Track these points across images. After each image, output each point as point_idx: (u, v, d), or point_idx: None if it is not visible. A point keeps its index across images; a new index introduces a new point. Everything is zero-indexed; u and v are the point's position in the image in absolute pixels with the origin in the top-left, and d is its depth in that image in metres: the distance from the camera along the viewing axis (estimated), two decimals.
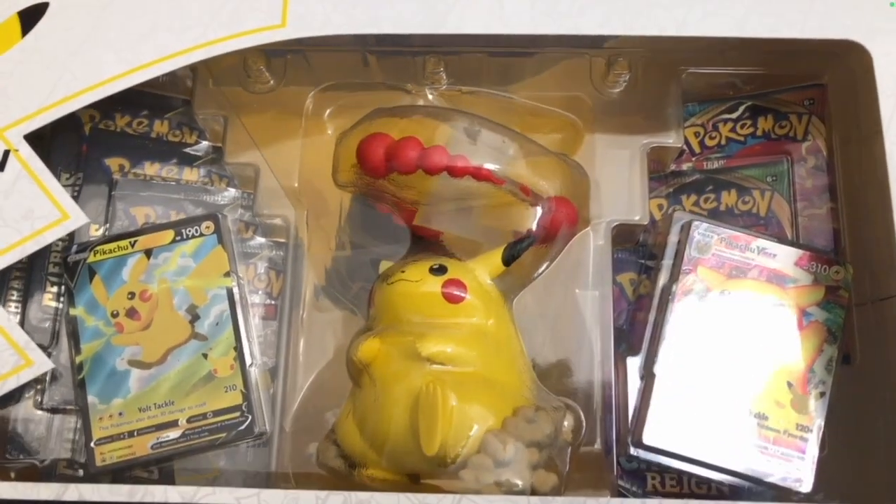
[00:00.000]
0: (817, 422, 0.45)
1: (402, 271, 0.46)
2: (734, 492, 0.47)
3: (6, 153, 0.45)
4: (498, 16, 0.47)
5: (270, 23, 0.46)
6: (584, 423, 0.47)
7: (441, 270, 0.46)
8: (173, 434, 0.47)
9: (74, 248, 0.49)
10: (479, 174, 0.46)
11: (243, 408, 0.47)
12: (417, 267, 0.46)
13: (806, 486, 0.45)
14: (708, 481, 0.48)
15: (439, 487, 0.42)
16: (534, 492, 0.42)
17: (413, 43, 0.51)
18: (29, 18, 0.48)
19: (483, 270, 0.47)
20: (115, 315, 0.48)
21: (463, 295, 0.45)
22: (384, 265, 0.48)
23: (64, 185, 0.52)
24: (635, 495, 0.49)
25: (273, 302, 0.52)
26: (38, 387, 0.50)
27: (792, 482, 0.45)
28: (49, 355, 0.49)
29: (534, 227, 0.48)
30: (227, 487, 0.41)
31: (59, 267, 0.50)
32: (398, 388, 0.43)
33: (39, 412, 0.50)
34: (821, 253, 0.48)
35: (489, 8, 0.47)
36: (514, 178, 0.47)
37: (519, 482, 0.42)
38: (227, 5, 0.47)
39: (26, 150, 0.45)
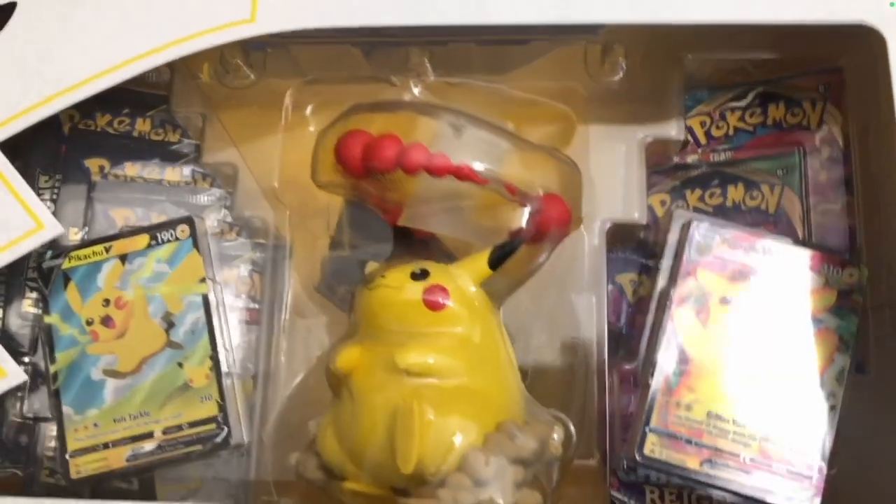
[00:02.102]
0: (825, 436, 0.42)
1: (383, 276, 0.44)
2: None
3: None
4: (482, 5, 0.44)
5: (239, 17, 0.44)
6: (574, 437, 0.44)
7: (422, 275, 0.43)
8: (149, 446, 0.45)
9: (49, 253, 0.47)
10: (460, 173, 0.44)
11: (219, 419, 0.45)
12: (398, 272, 0.44)
13: None
14: (709, 497, 0.45)
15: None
16: None
17: (396, 33, 0.48)
18: None
19: (467, 275, 0.44)
20: (90, 323, 0.47)
21: (445, 302, 0.43)
22: (371, 267, 0.46)
23: (42, 188, 0.51)
24: None
25: (257, 306, 0.50)
26: (19, 394, 0.49)
27: (797, 501, 0.42)
28: (28, 362, 0.49)
29: (522, 227, 0.45)
30: (207, 503, 0.39)
31: (34, 269, 0.49)
32: (376, 400, 0.41)
33: (20, 420, 0.49)
34: (833, 253, 0.45)
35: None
36: (498, 177, 0.44)
37: (501, 502, 0.40)
38: (194, 1, 0.45)
39: None
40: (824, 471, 0.42)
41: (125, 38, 0.45)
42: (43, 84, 0.44)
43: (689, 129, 0.50)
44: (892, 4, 0.40)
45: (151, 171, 0.52)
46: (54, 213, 0.49)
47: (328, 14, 0.44)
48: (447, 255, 0.48)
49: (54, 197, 0.51)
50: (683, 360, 0.44)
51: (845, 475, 0.43)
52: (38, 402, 0.49)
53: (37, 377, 0.48)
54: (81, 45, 0.45)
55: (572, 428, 0.44)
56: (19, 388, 0.48)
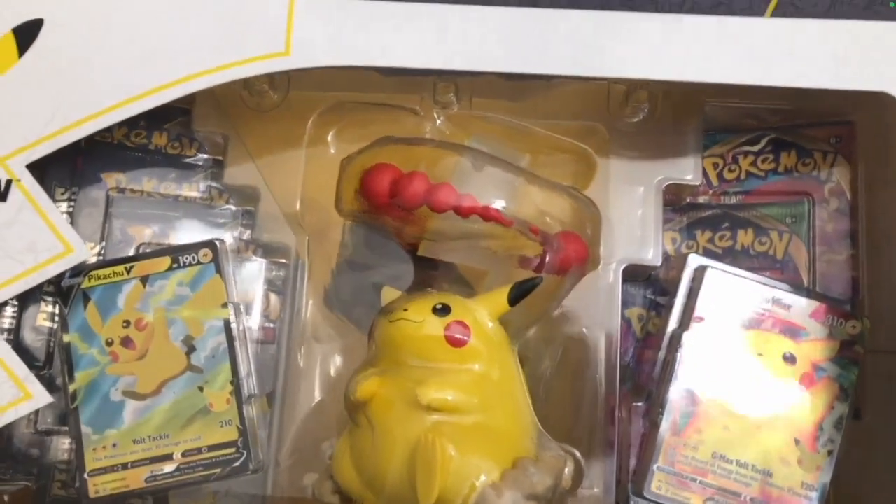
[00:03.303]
0: (822, 481, 0.45)
1: (405, 309, 0.45)
2: None
3: (9, 182, 0.44)
4: (512, 54, 0.44)
5: (273, 50, 0.44)
6: (584, 471, 0.46)
7: (444, 311, 0.44)
8: (168, 468, 0.46)
9: (68, 272, 0.47)
10: (486, 214, 0.44)
11: (239, 444, 0.46)
12: (420, 305, 0.45)
13: None
14: None
15: None
16: None
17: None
18: (25, 36, 0.45)
19: (486, 310, 0.45)
20: (109, 343, 0.47)
21: (466, 339, 0.44)
22: (386, 292, 0.47)
23: (58, 200, 0.51)
24: None
25: (272, 325, 0.51)
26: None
27: None
28: (44, 376, 0.49)
29: (542, 265, 0.46)
30: None
31: (53, 286, 0.49)
32: (396, 433, 0.42)
33: (33, 434, 0.49)
34: (838, 305, 0.47)
35: (503, 44, 0.44)
36: (522, 218, 0.45)
37: None
38: (229, 31, 0.45)
39: (28, 180, 0.44)
40: None
41: (157, 64, 0.44)
42: (70, 109, 0.44)
43: (703, 170, 0.51)
44: (892, 4, 0.41)
45: (168, 186, 0.52)
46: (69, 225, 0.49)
47: (361, 50, 0.44)
48: (463, 281, 0.49)
49: (70, 209, 0.51)
50: (693, 402, 0.45)
51: None
52: (50, 417, 0.49)
53: (51, 391, 0.48)
54: (110, 70, 0.45)
55: (583, 462, 0.46)
56: None
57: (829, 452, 0.45)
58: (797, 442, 0.45)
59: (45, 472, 0.49)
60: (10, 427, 0.49)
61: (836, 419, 0.45)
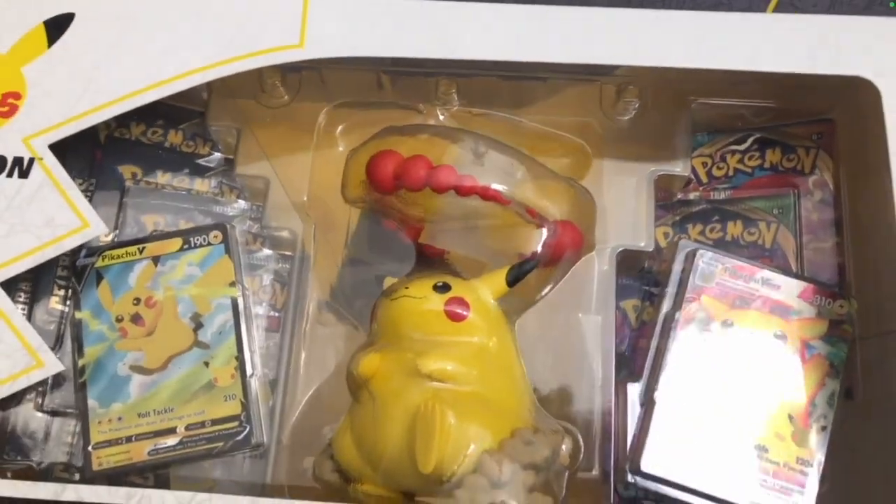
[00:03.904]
0: (818, 456, 0.45)
1: (406, 287, 0.46)
2: None
3: (31, 161, 0.46)
4: (510, 42, 0.47)
5: (289, 42, 0.47)
6: (582, 448, 0.47)
7: (444, 288, 0.46)
8: (171, 441, 0.47)
9: (84, 252, 0.49)
10: (486, 194, 0.47)
11: (242, 418, 0.47)
12: (421, 284, 0.46)
13: None
14: None
15: None
16: None
17: (426, 65, 0.52)
18: (55, 28, 0.49)
19: (486, 290, 0.47)
20: (119, 320, 0.48)
21: (465, 313, 0.45)
22: (388, 282, 0.49)
23: None
24: None
25: (277, 314, 0.52)
26: (40, 388, 0.50)
27: None
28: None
29: (539, 249, 0.48)
30: (223, 494, 0.41)
31: (66, 270, 0.51)
32: (397, 404, 0.43)
33: (39, 414, 0.50)
34: (825, 286, 0.48)
35: (502, 34, 0.48)
36: (520, 200, 0.47)
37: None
38: (247, 23, 0.48)
39: (51, 160, 0.46)
40: (817, 485, 0.44)
41: (176, 54, 0.47)
42: (96, 93, 0.47)
43: (692, 169, 0.53)
44: (892, 4, 0.44)
45: (181, 180, 0.55)
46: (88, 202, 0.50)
47: (372, 43, 0.47)
48: (459, 276, 0.50)
49: (88, 200, 0.53)
50: (686, 379, 0.46)
51: (836, 491, 0.46)
52: (59, 398, 0.50)
53: (59, 373, 0.49)
54: (134, 58, 0.48)
55: (580, 440, 0.47)
56: (41, 382, 0.49)
57: (823, 428, 0.46)
58: (791, 418, 0.46)
59: (49, 454, 0.50)
60: (17, 407, 0.50)
61: (829, 395, 0.46)
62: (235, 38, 0.47)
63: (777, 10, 0.53)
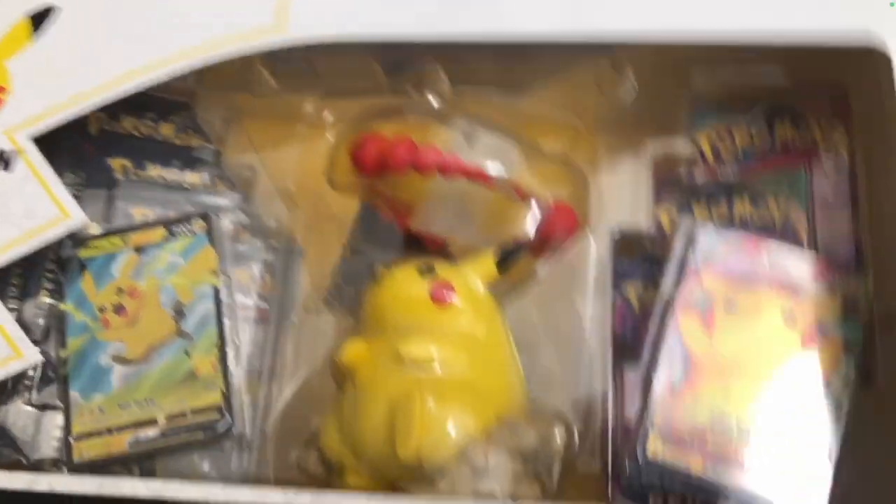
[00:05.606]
0: (831, 444, 0.42)
1: (391, 272, 0.45)
2: None
3: (14, 153, 0.46)
4: (502, 18, 0.46)
5: (269, 26, 0.46)
6: (576, 437, 0.44)
7: (429, 271, 0.44)
8: (152, 432, 0.46)
9: (69, 243, 0.49)
10: (469, 172, 0.45)
11: (222, 407, 0.46)
12: (406, 268, 0.45)
13: None
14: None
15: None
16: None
17: (416, 49, 0.50)
18: (39, 21, 0.49)
19: (474, 273, 0.45)
20: (102, 310, 0.48)
21: (450, 297, 0.43)
22: (381, 271, 0.47)
23: (67, 185, 0.52)
24: None
25: (266, 305, 0.51)
26: (28, 383, 0.49)
27: None
28: (40, 351, 0.50)
29: (530, 231, 0.46)
30: (195, 483, 0.40)
31: (55, 264, 0.50)
32: (379, 392, 0.42)
33: (28, 408, 0.49)
34: (838, 263, 0.45)
35: (494, 11, 0.46)
36: (511, 181, 0.46)
37: (499, 492, 0.39)
38: (227, 8, 0.47)
39: (33, 152, 0.46)
40: (830, 475, 0.41)
41: (159, 42, 0.47)
42: (78, 83, 0.47)
43: (698, 146, 0.51)
44: (892, 4, 0.42)
45: (172, 173, 0.54)
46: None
47: (355, 25, 0.46)
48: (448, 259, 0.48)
49: (77, 194, 0.52)
50: (688, 362, 0.44)
51: (851, 481, 0.42)
52: (47, 392, 0.49)
53: (47, 367, 0.49)
54: (116, 47, 0.48)
55: (574, 427, 0.44)
56: (29, 376, 0.49)
57: (838, 412, 0.42)
58: (800, 403, 0.42)
59: (38, 449, 0.49)
60: (6, 402, 0.49)
61: (843, 377, 0.42)
62: (214, 24, 0.47)
63: None
